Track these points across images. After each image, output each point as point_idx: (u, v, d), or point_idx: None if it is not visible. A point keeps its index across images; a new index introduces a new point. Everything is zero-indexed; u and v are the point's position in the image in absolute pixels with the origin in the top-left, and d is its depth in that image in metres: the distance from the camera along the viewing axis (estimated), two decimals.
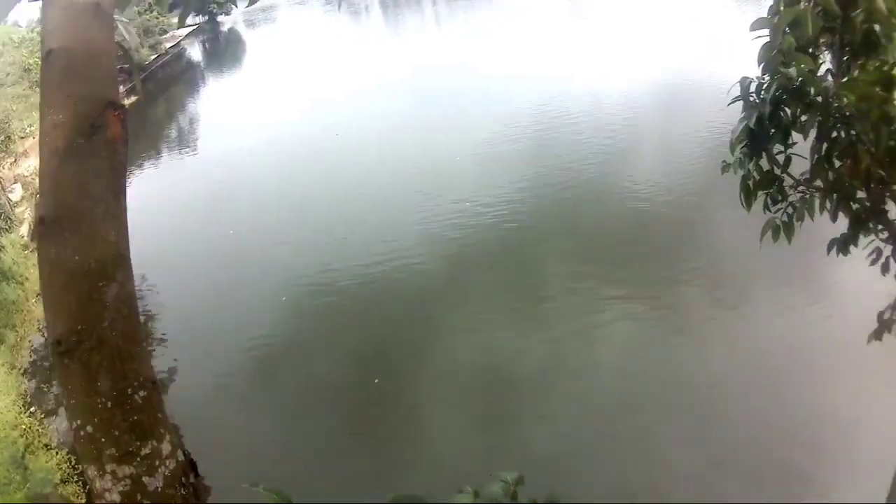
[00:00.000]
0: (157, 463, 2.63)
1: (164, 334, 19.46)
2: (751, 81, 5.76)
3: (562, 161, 26.35)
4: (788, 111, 5.80)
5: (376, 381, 15.96)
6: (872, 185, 6.26)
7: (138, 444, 2.59)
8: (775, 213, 6.40)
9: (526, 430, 13.81)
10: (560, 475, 12.13)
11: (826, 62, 6.45)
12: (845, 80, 6.20)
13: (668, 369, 14.77)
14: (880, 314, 6.47)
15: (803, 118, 5.83)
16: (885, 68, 6.18)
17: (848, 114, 5.90)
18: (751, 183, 6.19)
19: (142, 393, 2.66)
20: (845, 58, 6.33)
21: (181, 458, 2.78)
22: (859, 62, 6.29)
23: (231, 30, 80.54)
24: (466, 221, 22.71)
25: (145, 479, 2.58)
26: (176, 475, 2.69)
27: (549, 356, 15.79)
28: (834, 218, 6.40)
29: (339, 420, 15.14)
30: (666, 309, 16.80)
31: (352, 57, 52.04)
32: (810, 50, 6.25)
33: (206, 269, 22.94)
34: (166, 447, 2.67)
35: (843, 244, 6.58)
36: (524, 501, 3.08)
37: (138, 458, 2.58)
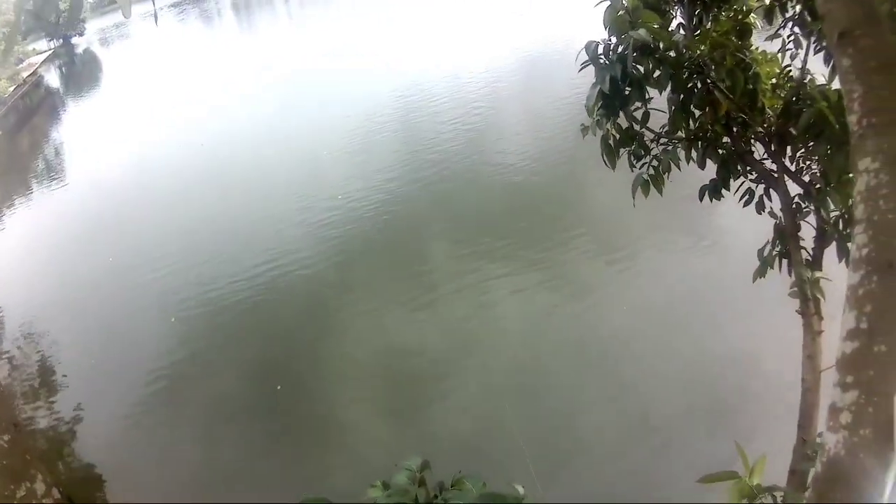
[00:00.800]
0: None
1: (64, 376, 18.76)
2: (597, 44, 5.79)
3: (430, 145, 26.50)
4: (641, 68, 5.86)
5: (279, 387, 15.69)
6: (735, 130, 6.40)
7: (12, 487, 2.57)
8: (641, 168, 6.50)
9: (437, 414, 13.76)
10: (477, 450, 12.37)
11: (678, 17, 6.54)
12: (698, 32, 6.30)
13: (570, 330, 15.00)
14: (760, 252, 6.63)
15: (657, 73, 5.90)
16: (740, 17, 6.31)
17: (702, 64, 6.00)
18: (611, 142, 6.25)
19: (6, 437, 2.63)
20: (697, 11, 6.43)
21: (57, 495, 2.77)
22: (712, 14, 6.40)
23: (86, 51, 78.25)
24: (342, 217, 22.52)
25: None
26: None
27: (450, 340, 15.72)
28: (702, 165, 6.53)
29: (249, 430, 14.82)
30: (557, 275, 17.01)
31: (210, 65, 51.47)
32: (662, 6, 6.36)
33: (92, 301, 22.08)
34: (40, 487, 2.66)
35: (713, 190, 6.72)
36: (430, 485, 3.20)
37: (15, 501, 2.56)
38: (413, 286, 17.86)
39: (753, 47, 6.31)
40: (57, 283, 23.83)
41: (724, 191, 6.77)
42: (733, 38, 6.14)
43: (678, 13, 6.51)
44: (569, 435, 12.60)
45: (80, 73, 70.22)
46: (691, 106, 6.18)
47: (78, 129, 49.14)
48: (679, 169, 6.39)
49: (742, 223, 7.69)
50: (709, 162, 6.57)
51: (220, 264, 21.69)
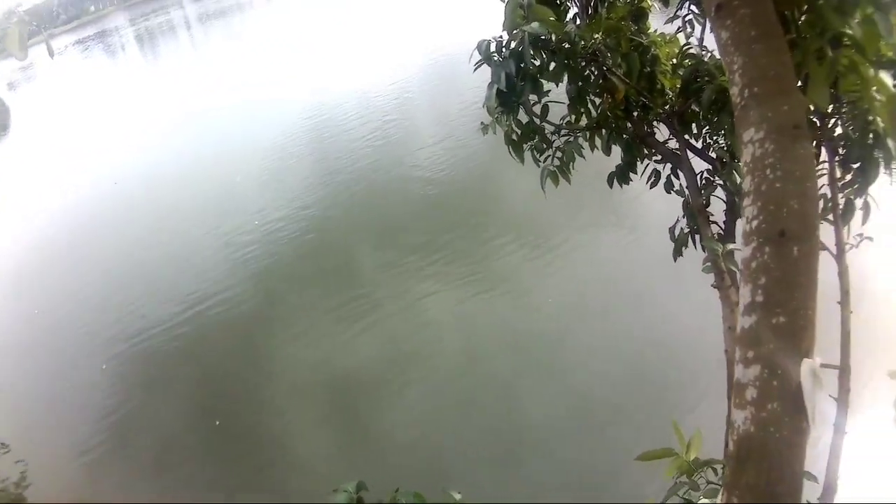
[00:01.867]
0: None
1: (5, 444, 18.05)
2: (489, 42, 5.74)
3: (344, 162, 26.55)
4: (536, 62, 5.84)
5: (217, 422, 15.45)
6: (636, 114, 6.44)
7: None
8: (546, 161, 6.49)
9: (379, 431, 13.75)
10: (422, 461, 12.40)
11: (574, 8, 6.57)
12: (590, 22, 6.33)
13: (503, 332, 15.16)
14: (671, 230, 6.68)
15: (552, 66, 5.88)
16: (636, 1, 6.37)
17: (596, 51, 6.02)
18: (514, 137, 6.23)
19: None
20: (592, 0, 6.47)
21: None
22: (607, 2, 6.44)
23: None
24: (263, 250, 22.20)
25: None
26: None
27: (386, 361, 15.67)
28: (607, 152, 6.56)
29: (191, 469, 14.53)
30: (485, 280, 17.16)
31: (120, 104, 50.35)
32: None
33: (24, 355, 21.10)
34: None
35: (621, 175, 6.77)
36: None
37: None
38: (343, 311, 17.66)
39: (652, 30, 6.37)
40: None
41: (635, 175, 6.82)
42: (630, 22, 6.18)
43: (574, 4, 6.53)
44: (509, 430, 12.67)
45: None
46: (589, 95, 6.18)
47: None
48: (584, 158, 6.39)
49: (661, 204, 7.78)
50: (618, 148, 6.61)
51: (146, 307, 21.00)
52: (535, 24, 5.55)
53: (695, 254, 6.70)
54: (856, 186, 5.52)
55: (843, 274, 5.19)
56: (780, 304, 2.39)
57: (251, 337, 18.02)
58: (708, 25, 6.26)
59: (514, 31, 5.63)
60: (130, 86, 54.64)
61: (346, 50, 41.97)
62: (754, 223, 2.53)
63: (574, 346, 13.99)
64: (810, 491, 4.35)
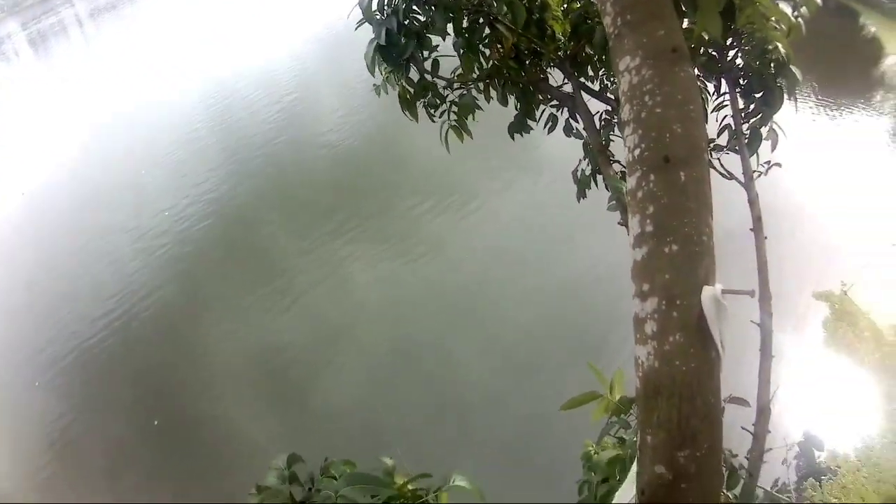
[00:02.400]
0: None
1: None
2: (370, 1, 5.57)
3: (250, 144, 26.30)
4: (421, 17, 5.71)
5: (156, 422, 15.23)
6: (528, 62, 6.35)
7: None
8: (441, 117, 6.38)
9: (315, 404, 13.86)
10: (360, 430, 12.52)
11: None
12: None
13: (429, 292, 15.30)
14: (574, 173, 6.66)
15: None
16: None
17: (481, 2, 5.89)
18: (409, 97, 6.09)
19: None
20: None
21: None
22: None
23: None
24: (176, 233, 21.88)
25: None
26: None
27: (316, 334, 15.83)
28: (503, 102, 6.47)
29: (137, 469, 14.47)
30: (402, 234, 17.22)
31: (17, 111, 48.10)
32: None
33: None
34: None
35: (519, 124, 6.69)
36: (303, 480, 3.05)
37: None
38: (266, 291, 17.46)
39: None
40: None
41: (537, 123, 6.76)
42: None
43: None
44: (441, 389, 12.76)
45: None
46: (478, 46, 6.06)
47: None
48: (482, 110, 6.30)
49: (567, 149, 7.77)
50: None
51: (70, 316, 20.35)
52: None
53: (604, 194, 6.71)
54: (760, 116, 5.58)
55: (753, 201, 5.23)
56: (671, 232, 2.30)
57: (178, 331, 17.84)
58: None
59: None
60: (28, 93, 52.13)
61: (241, 32, 40.89)
62: (636, 152, 2.44)
63: (497, 298, 14.16)
64: (746, 416, 4.40)
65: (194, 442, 14.40)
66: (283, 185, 22.19)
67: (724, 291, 2.32)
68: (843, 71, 26.97)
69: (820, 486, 11.57)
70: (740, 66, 5.45)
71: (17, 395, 18.19)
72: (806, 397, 12.37)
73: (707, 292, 2.27)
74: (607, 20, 2.75)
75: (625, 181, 5.60)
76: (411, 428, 12.18)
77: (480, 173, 17.38)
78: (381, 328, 14.84)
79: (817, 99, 24.31)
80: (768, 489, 6.13)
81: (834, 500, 11.60)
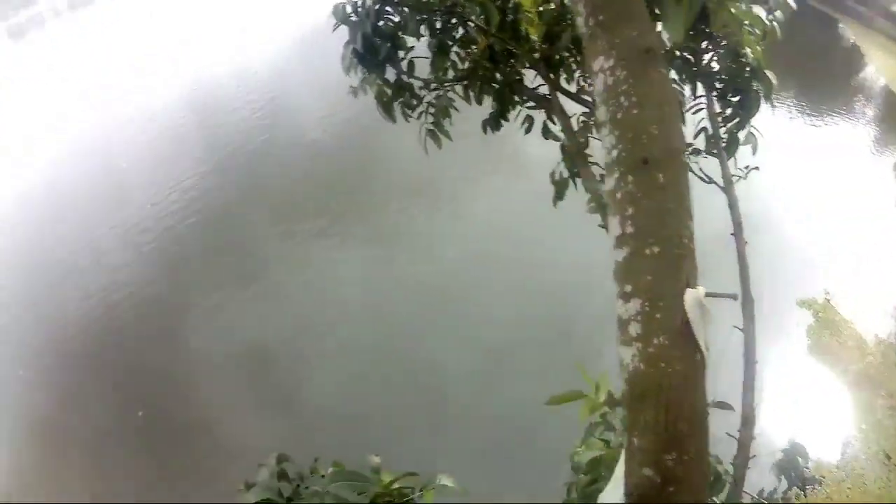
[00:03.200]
0: None
1: None
2: (344, 5, 5.56)
3: (232, 139, 26.29)
4: (396, 18, 5.70)
5: (140, 413, 15.19)
6: (503, 63, 6.33)
7: None
8: (419, 118, 6.37)
9: (300, 399, 13.95)
10: (345, 425, 12.52)
11: None
12: None
13: (405, 280, 15.36)
14: (552, 176, 6.64)
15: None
16: None
17: (453, 3, 5.88)
18: (385, 99, 6.08)
19: None
20: None
21: None
22: None
23: None
24: (158, 227, 21.84)
25: None
26: None
27: (296, 318, 15.92)
28: (479, 101, 6.46)
29: (122, 456, 14.54)
30: (383, 232, 17.40)
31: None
32: None
33: None
34: None
35: (493, 122, 6.67)
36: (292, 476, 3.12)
37: None
38: (247, 287, 17.46)
39: None
40: None
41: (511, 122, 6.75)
42: None
43: None
44: (425, 389, 12.79)
45: None
46: (452, 47, 6.06)
47: None
48: (458, 111, 6.30)
49: (544, 150, 7.77)
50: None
51: (51, 309, 20.21)
52: None
53: (584, 196, 6.72)
54: (737, 120, 5.60)
55: (733, 206, 5.26)
56: (652, 234, 2.28)
57: (163, 325, 17.84)
58: None
59: None
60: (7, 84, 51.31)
61: (222, 30, 40.35)
62: (614, 153, 2.43)
63: (478, 298, 14.26)
64: (730, 422, 4.41)
65: (178, 434, 14.51)
66: (266, 182, 22.22)
67: (707, 294, 2.31)
68: (824, 78, 27.37)
69: (805, 495, 11.62)
70: (716, 69, 5.46)
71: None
72: (789, 405, 12.45)
73: (690, 295, 2.25)
74: (580, 20, 2.73)
75: (603, 183, 5.64)
76: (394, 425, 12.22)
77: (461, 174, 17.50)
78: (364, 326, 14.95)
79: (798, 105, 24.58)
80: (754, 496, 6.14)
81: None
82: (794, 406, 12.57)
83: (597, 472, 4.38)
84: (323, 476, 3.05)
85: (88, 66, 44.24)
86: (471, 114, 6.58)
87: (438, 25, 5.91)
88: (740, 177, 5.81)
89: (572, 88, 6.55)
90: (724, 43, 5.34)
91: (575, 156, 6.08)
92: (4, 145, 36.25)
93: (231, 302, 17.24)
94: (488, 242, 15.42)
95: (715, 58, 5.45)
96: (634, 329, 2.26)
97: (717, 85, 5.61)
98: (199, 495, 12.45)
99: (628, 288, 2.30)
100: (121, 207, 23.99)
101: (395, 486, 3.06)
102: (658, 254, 2.27)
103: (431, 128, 6.31)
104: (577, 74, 6.50)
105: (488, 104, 6.57)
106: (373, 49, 5.55)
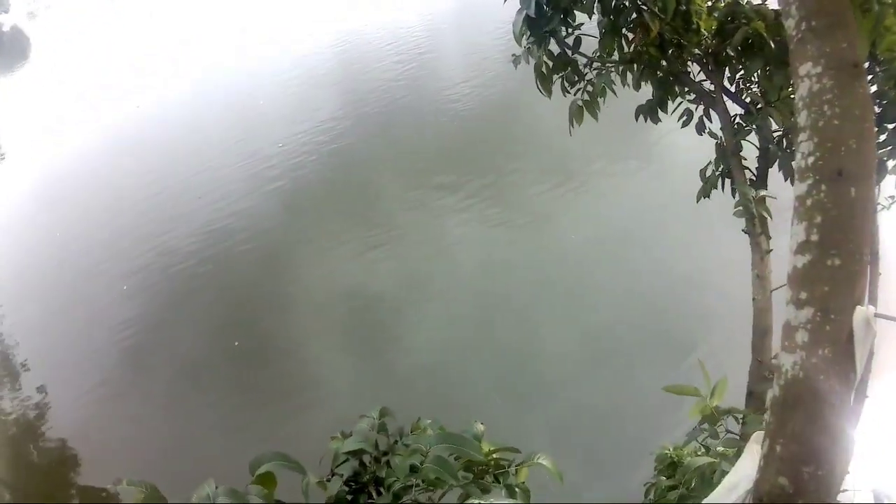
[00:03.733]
0: None
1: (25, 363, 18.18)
2: None
3: (374, 89, 26.07)
4: None
5: (236, 343, 15.63)
6: (671, 51, 6.25)
7: None
8: (576, 95, 6.36)
9: (403, 356, 13.89)
10: (444, 388, 12.54)
11: None
12: None
13: (528, 260, 15.18)
14: (702, 172, 6.54)
15: None
16: None
17: None
18: (544, 70, 6.09)
19: None
20: None
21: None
22: None
23: (13, 27, 74.36)
24: (287, 168, 22.17)
25: None
26: None
27: (410, 280, 15.82)
28: (637, 87, 6.40)
29: (214, 387, 14.75)
30: (510, 204, 17.16)
31: (142, 31, 49.13)
32: None
33: (42, 273, 21.33)
34: None
35: (650, 111, 6.59)
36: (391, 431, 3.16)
37: None
38: (366, 240, 17.61)
39: None
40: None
41: (663, 113, 6.66)
42: None
43: None
44: (529, 364, 12.75)
45: (8, 49, 66.92)
46: (622, 29, 6.01)
47: (9, 105, 46.72)
48: (615, 94, 6.26)
49: (686, 144, 7.60)
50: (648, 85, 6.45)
51: (169, 233, 20.84)
52: None
53: (718, 196, 6.59)
54: (890, 148, 5.39)
55: (873, 234, 5.07)
56: (836, 245, 2.27)
57: (273, 261, 18.07)
58: None
59: None
60: (157, 14, 53.38)
61: None
62: (810, 160, 2.41)
63: (596, 282, 14.02)
64: None
65: (269, 368, 14.65)
66: (399, 137, 22.23)
67: (876, 315, 2.30)
68: None
69: None
70: (874, 93, 5.24)
71: (102, 296, 18.90)
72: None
73: (860, 313, 2.24)
74: (790, 23, 2.70)
75: (753, 189, 5.53)
76: (483, 395, 12.25)
77: (598, 157, 17.17)
78: (471, 290, 14.91)
79: None
80: None
81: None
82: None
83: (690, 479, 4.35)
84: (424, 433, 3.10)
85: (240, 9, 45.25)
86: (617, 98, 6.49)
87: (612, 5, 5.85)
88: (884, 206, 5.58)
89: (731, 89, 6.43)
90: (885, 68, 5.11)
91: (731, 157, 5.97)
92: (142, 65, 37.98)
93: (345, 249, 17.46)
94: (614, 227, 15.13)
95: (876, 81, 5.21)
96: (801, 337, 2.27)
97: (875, 109, 5.39)
98: (283, 432, 12.64)
99: (803, 295, 2.30)
100: (250, 144, 24.58)
101: (494, 456, 3.12)
102: (838, 266, 2.26)
103: (581, 104, 6.28)
104: (737, 75, 6.36)
105: (622, 93, 6.51)
106: (544, 19, 5.56)
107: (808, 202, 2.37)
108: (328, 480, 2.84)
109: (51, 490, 14.01)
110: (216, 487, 2.24)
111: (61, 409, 15.67)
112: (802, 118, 2.49)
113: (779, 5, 2.84)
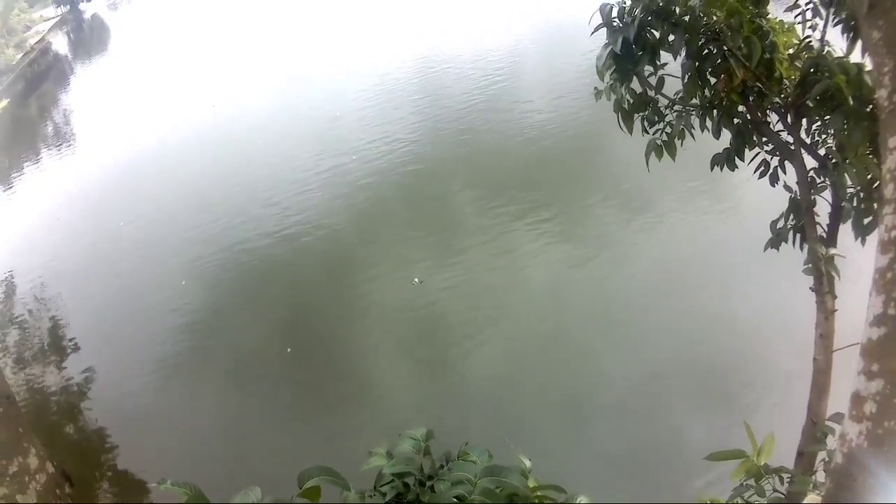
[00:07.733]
0: (27, 479, 2.53)
1: (72, 339, 19.00)
2: (611, 7, 5.64)
3: (453, 109, 26.31)
4: (656, 32, 5.73)
5: (289, 350, 15.92)
6: (752, 99, 6.22)
7: (4, 462, 2.48)
8: (654, 134, 6.37)
9: (457, 375, 14.04)
10: (494, 413, 12.57)
11: None
12: None
13: (591, 287, 15.15)
14: (773, 224, 6.48)
15: (671, 38, 5.76)
16: None
17: (717, 30, 5.82)
18: (626, 106, 6.12)
19: None
20: None
21: (51, 470, 2.68)
22: None
23: (94, 16, 76.67)
24: (363, 173, 22.69)
25: (19, 497, 2.48)
26: (49, 488, 2.60)
27: (473, 298, 15.97)
28: (717, 134, 6.35)
29: (266, 392, 15.03)
30: (579, 234, 17.15)
31: (222, 27, 50.65)
32: None
33: (105, 262, 22.11)
34: (34, 461, 2.56)
35: (727, 159, 6.54)
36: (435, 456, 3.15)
37: (7, 478, 2.48)
38: (435, 256, 17.77)
39: (770, 16, 6.12)
40: (67, 246, 23.72)
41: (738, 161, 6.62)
42: (749, 5, 5.93)
43: None
44: (581, 398, 12.71)
45: (89, 38, 69.18)
46: (706, 73, 6.00)
47: (86, 94, 48.14)
48: (693, 138, 6.25)
49: (759, 192, 7.52)
50: (725, 132, 6.42)
51: (237, 230, 21.55)
52: None
53: (786, 248, 6.53)
54: None
55: None
56: None
57: (338, 265, 18.46)
58: (831, 19, 5.97)
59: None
60: (237, 12, 54.33)
61: (458, 9, 40.57)
62: (893, 233, 2.41)
63: (657, 323, 13.88)
64: None
65: (318, 377, 14.92)
66: (474, 157, 22.25)
67: None
68: None
69: None
70: None
71: (164, 282, 19.62)
72: None
73: None
74: (882, 93, 2.68)
75: (825, 246, 5.47)
76: (537, 422, 12.22)
77: (672, 196, 17.02)
78: (534, 316, 14.91)
79: None
80: None
81: None
82: None
83: None
84: (471, 462, 3.05)
85: (326, 21, 45.55)
86: (696, 139, 6.48)
87: (699, 50, 5.85)
88: None
89: (808, 140, 6.36)
90: None
91: (804, 211, 5.91)
92: (230, 69, 38.55)
93: (411, 258, 17.57)
94: (682, 266, 14.99)
95: None
96: (870, 408, 2.27)
97: None
98: (328, 441, 12.85)
99: (875, 367, 2.30)
100: (324, 154, 24.99)
101: (538, 494, 3.07)
102: None
103: (660, 143, 6.29)
104: (814, 128, 6.29)
105: (701, 135, 6.49)
106: (630, 57, 5.60)
107: (889, 275, 2.36)
108: (370, 496, 2.86)
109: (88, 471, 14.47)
110: (261, 496, 2.30)
111: (109, 392, 16.26)
112: (889, 191, 2.48)
113: (872, 71, 2.83)
